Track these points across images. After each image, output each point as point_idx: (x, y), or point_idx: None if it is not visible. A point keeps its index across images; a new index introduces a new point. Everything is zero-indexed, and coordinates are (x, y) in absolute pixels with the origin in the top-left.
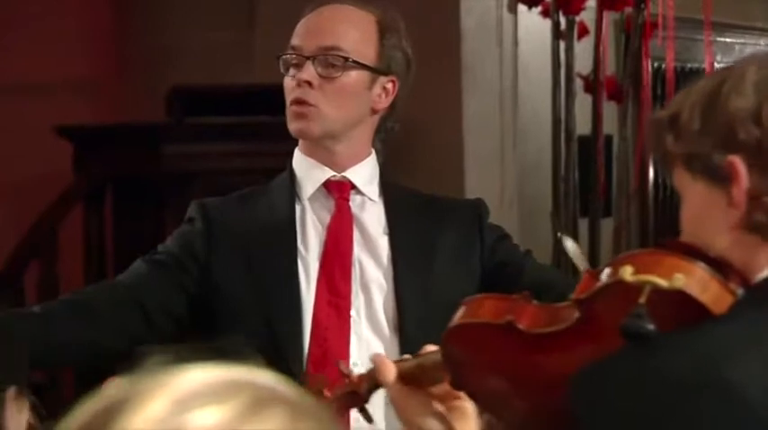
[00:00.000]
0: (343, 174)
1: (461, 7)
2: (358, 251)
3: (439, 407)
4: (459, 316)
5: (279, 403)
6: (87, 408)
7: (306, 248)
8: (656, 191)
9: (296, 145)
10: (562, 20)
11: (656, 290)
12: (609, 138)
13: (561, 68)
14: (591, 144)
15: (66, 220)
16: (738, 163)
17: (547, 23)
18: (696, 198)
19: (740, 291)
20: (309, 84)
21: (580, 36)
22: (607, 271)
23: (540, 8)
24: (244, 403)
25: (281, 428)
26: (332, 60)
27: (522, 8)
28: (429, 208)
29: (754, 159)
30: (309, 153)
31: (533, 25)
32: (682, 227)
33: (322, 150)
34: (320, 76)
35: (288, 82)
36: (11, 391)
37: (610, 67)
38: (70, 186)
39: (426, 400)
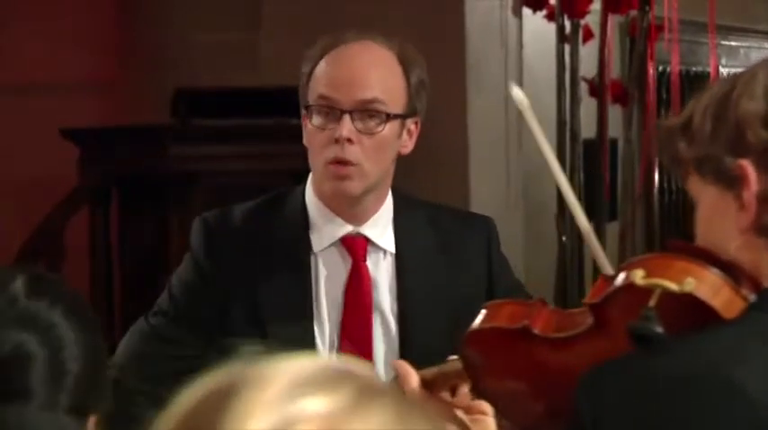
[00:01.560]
0: (358, 230)
1: (466, 9)
2: (378, 312)
3: (462, 417)
4: (478, 321)
5: (386, 395)
6: (197, 392)
7: (318, 306)
8: (661, 194)
9: (302, 147)
10: (567, 23)
11: (667, 293)
12: (614, 142)
13: (566, 72)
14: (596, 147)
15: (72, 222)
16: (748, 166)
17: (551, 27)
18: (708, 202)
19: (752, 297)
20: (349, 141)
21: (585, 39)
22: (620, 274)
23: (544, 11)
24: (352, 393)
25: (388, 419)
26: (372, 116)
27: (526, 11)
28: (439, 231)
29: (764, 162)
30: (327, 203)
31: (538, 28)
32: (696, 233)
33: (350, 207)
34: (358, 131)
35: (317, 134)
36: (93, 418)
37: (615, 70)
38: (75, 188)
39: (449, 410)
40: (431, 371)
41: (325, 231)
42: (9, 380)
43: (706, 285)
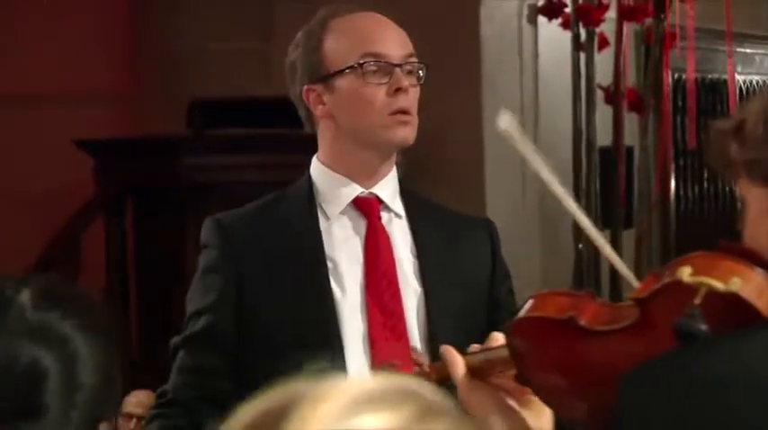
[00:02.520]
0: (370, 190)
1: (481, 18)
2: (401, 271)
3: (511, 401)
4: (525, 309)
5: (445, 416)
6: (258, 405)
7: (337, 266)
8: (677, 202)
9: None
10: (582, 31)
11: (712, 292)
12: (630, 150)
13: (582, 80)
14: (612, 155)
15: (88, 232)
16: None
17: (567, 35)
18: (756, 204)
19: None
20: (405, 91)
21: (600, 47)
22: (668, 271)
23: (560, 20)
24: (413, 412)
25: None
26: (415, 68)
27: (542, 20)
28: (446, 223)
29: None
30: (337, 166)
31: (553, 37)
32: (743, 235)
33: (381, 162)
34: (409, 83)
35: (374, 90)
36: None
37: (630, 78)
38: (91, 198)
39: (497, 394)
40: (477, 358)
41: (339, 196)
42: (24, 396)
43: (751, 286)
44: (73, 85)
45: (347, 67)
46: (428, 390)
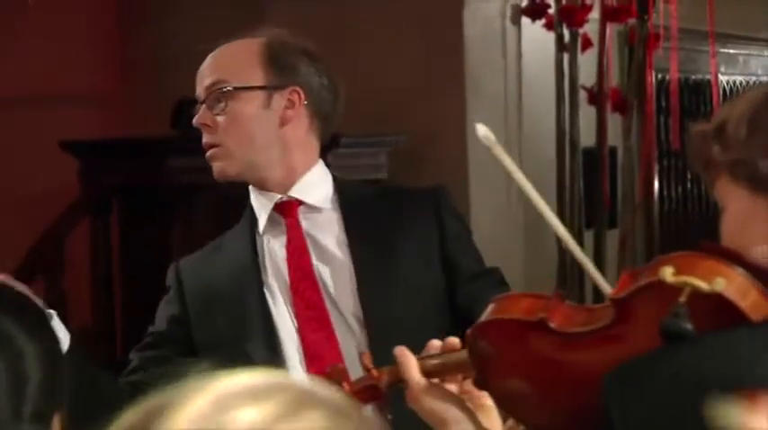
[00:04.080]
0: (289, 194)
1: (465, 19)
2: (317, 264)
3: (467, 404)
4: (489, 311)
5: (318, 405)
6: (132, 412)
7: (269, 276)
8: (661, 202)
9: None
10: (566, 32)
11: (696, 292)
12: (613, 150)
13: (565, 80)
14: (595, 156)
15: (72, 234)
16: None
17: (550, 36)
18: (738, 206)
19: None
20: (207, 126)
21: (584, 48)
22: (646, 271)
23: (543, 21)
24: (283, 403)
25: (318, 428)
26: (216, 96)
27: (525, 21)
28: (384, 202)
29: None
30: (254, 185)
31: (537, 37)
32: (722, 236)
33: (258, 181)
34: (214, 114)
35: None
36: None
37: (614, 78)
38: (76, 200)
39: (451, 397)
40: (432, 362)
41: (261, 207)
42: None
43: (735, 286)
44: (59, 86)
45: None
46: (302, 382)
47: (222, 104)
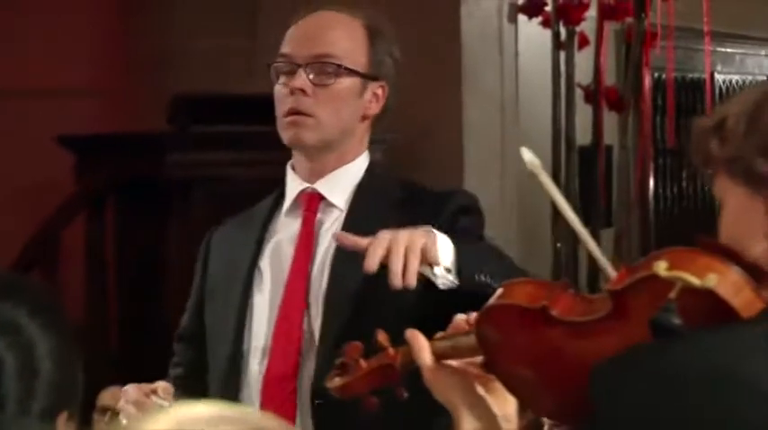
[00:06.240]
0: (314, 186)
1: (461, 16)
2: (318, 264)
3: (477, 387)
4: (496, 296)
5: None
6: None
7: (265, 262)
8: (656, 200)
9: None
10: (562, 30)
11: (688, 287)
12: (609, 148)
13: (561, 78)
14: (591, 154)
15: (69, 229)
16: None
17: (547, 33)
18: (735, 203)
19: None
20: (303, 92)
21: (580, 46)
22: (643, 265)
23: (540, 18)
24: None
25: None
26: (323, 68)
27: (522, 18)
28: (398, 208)
29: None
30: (295, 165)
31: (534, 35)
32: (720, 232)
33: (309, 160)
34: (313, 83)
35: (279, 90)
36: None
37: (610, 77)
38: (72, 195)
39: (463, 379)
40: (443, 344)
41: (289, 191)
42: None
43: (728, 283)
44: (57, 80)
45: (270, 67)
46: (256, 417)
47: (327, 79)
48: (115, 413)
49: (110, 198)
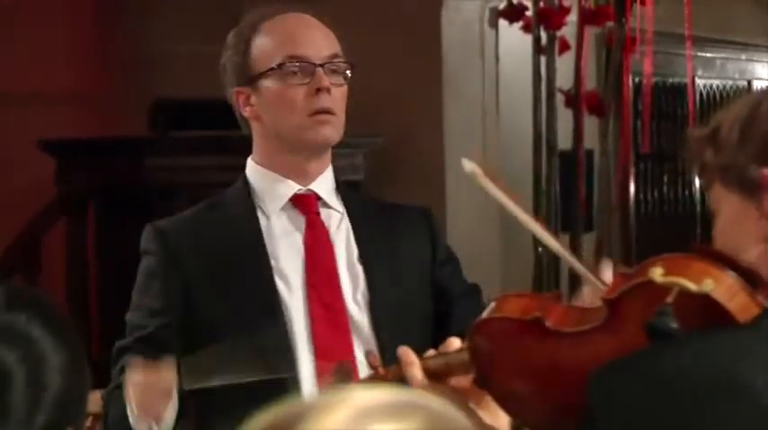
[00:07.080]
0: (308, 187)
1: (442, 21)
2: (344, 266)
3: (470, 403)
4: (489, 310)
5: (457, 425)
6: (268, 416)
7: (279, 262)
8: (637, 205)
9: None
10: (543, 35)
11: (684, 293)
12: (590, 153)
13: (542, 83)
14: (572, 158)
15: (49, 234)
16: None
17: (528, 38)
18: (730, 209)
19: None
20: (329, 91)
21: (561, 51)
22: (637, 272)
23: (521, 23)
24: (425, 422)
25: None
26: (337, 67)
27: (503, 23)
28: (384, 214)
29: None
30: (271, 165)
31: (515, 40)
32: (714, 239)
33: (312, 161)
34: (331, 83)
35: (293, 90)
36: None
37: (591, 81)
38: (53, 199)
39: (454, 396)
40: (435, 362)
41: (277, 194)
42: None
43: (723, 288)
44: (38, 85)
45: (270, 69)
46: (437, 404)
47: (341, 78)
48: (96, 417)
49: (91, 203)
